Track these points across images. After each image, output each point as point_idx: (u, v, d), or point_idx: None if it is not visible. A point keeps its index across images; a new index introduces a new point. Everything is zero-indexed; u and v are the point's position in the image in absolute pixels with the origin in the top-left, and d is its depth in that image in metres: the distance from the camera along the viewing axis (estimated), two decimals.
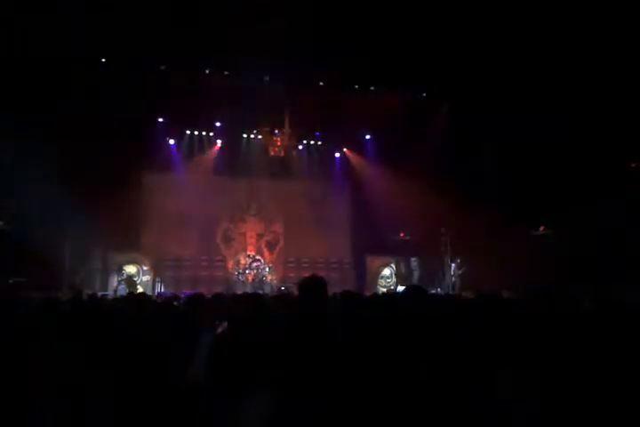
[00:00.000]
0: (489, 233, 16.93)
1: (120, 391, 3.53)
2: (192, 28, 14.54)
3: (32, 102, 14.64)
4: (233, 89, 17.75)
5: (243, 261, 19.89)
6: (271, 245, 21.47)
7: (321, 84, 18.72)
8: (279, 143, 20.19)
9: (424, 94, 19.78)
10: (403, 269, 20.93)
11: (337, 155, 22.36)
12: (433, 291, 15.89)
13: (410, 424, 2.78)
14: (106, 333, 4.37)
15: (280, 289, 17.60)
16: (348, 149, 22.24)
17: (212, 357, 3.57)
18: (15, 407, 3.24)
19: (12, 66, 14.44)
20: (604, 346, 3.05)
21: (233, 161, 20.49)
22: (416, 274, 20.65)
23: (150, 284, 18.31)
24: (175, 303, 7.67)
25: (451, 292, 17.30)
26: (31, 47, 14.22)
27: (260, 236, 21.43)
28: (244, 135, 20.94)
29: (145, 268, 18.69)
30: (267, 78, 18.31)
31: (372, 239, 20.47)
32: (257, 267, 19.36)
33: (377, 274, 21.14)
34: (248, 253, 20.45)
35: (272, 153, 20.29)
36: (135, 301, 6.31)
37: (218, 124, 20.25)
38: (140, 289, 17.11)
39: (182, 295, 11.01)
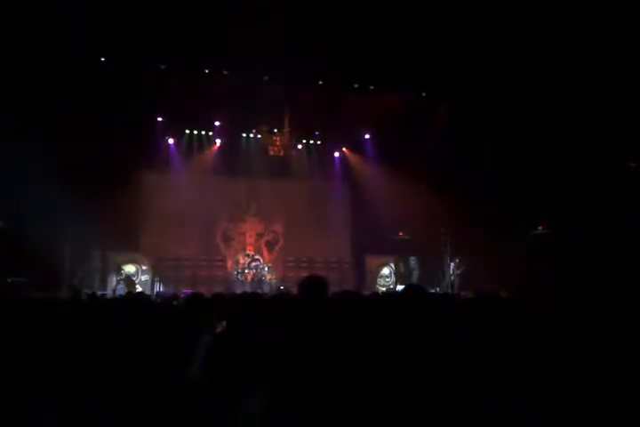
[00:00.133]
0: (488, 233, 16.94)
1: (120, 391, 3.53)
2: (192, 27, 14.54)
3: (32, 102, 14.63)
4: (232, 89, 17.74)
5: (242, 261, 19.88)
6: (271, 245, 21.48)
7: (320, 83, 18.70)
8: (279, 143, 20.17)
9: (424, 94, 19.76)
10: (402, 269, 20.93)
11: (336, 154, 22.38)
12: (432, 290, 15.89)
13: (410, 424, 2.78)
14: (105, 332, 4.36)
15: (279, 289, 17.60)
16: (347, 148, 22.25)
17: (211, 356, 3.57)
18: (15, 407, 3.24)
19: (12, 66, 14.43)
20: (604, 346, 3.05)
21: (232, 161, 20.51)
22: (415, 273, 20.64)
23: (149, 283, 18.30)
24: (175, 303, 7.68)
25: (450, 291, 17.30)
26: (31, 47, 14.20)
27: (259, 235, 21.43)
28: (244, 135, 20.96)
29: (144, 267, 18.69)
30: (266, 78, 18.29)
31: (372, 239, 20.47)
32: (256, 266, 19.35)
33: (376, 273, 21.13)
34: (247, 252, 20.44)
35: (271, 153, 20.27)
36: (134, 300, 6.31)
37: (217, 123, 20.25)
38: (139, 289, 17.12)
39: (182, 295, 11.02)
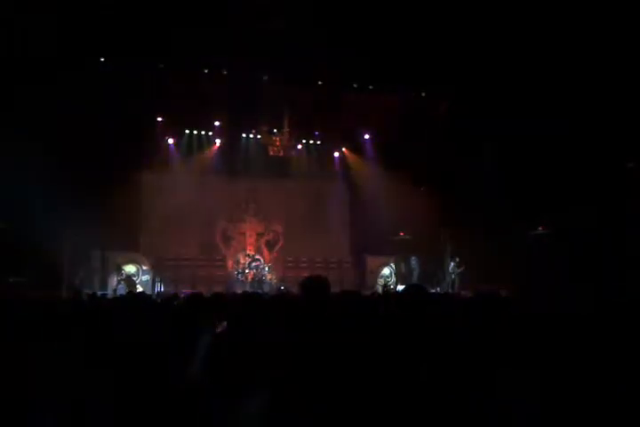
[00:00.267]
0: (488, 233, 16.94)
1: (120, 391, 3.53)
2: (192, 27, 14.54)
3: (32, 102, 14.62)
4: (232, 89, 17.74)
5: (242, 261, 19.89)
6: (270, 245, 21.48)
7: (320, 83, 18.70)
8: (278, 143, 20.19)
9: (423, 94, 19.76)
10: (402, 269, 20.93)
11: (336, 154, 22.38)
12: (432, 290, 15.89)
13: (410, 424, 2.78)
14: (105, 332, 4.37)
15: (279, 289, 17.61)
16: (347, 148, 22.24)
17: (211, 356, 3.57)
18: (15, 407, 3.24)
19: (12, 66, 14.42)
20: (604, 346, 3.05)
21: (232, 161, 20.53)
22: (415, 273, 20.64)
23: (150, 283, 18.30)
24: (175, 303, 7.68)
25: (450, 291, 17.31)
26: (31, 47, 14.20)
27: (259, 235, 21.44)
28: (244, 135, 20.95)
29: (144, 267, 18.69)
30: (266, 78, 18.30)
31: (372, 239, 20.49)
32: (257, 267, 19.36)
33: (377, 273, 21.13)
34: (247, 252, 20.45)
35: (271, 153, 20.29)
36: (134, 300, 6.31)
37: (217, 123, 20.24)
38: (139, 289, 17.11)
39: (182, 295, 11.02)
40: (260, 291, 16.28)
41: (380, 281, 20.72)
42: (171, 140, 20.28)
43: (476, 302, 4.02)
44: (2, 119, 13.80)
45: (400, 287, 18.23)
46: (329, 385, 2.85)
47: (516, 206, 16.56)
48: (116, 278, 17.84)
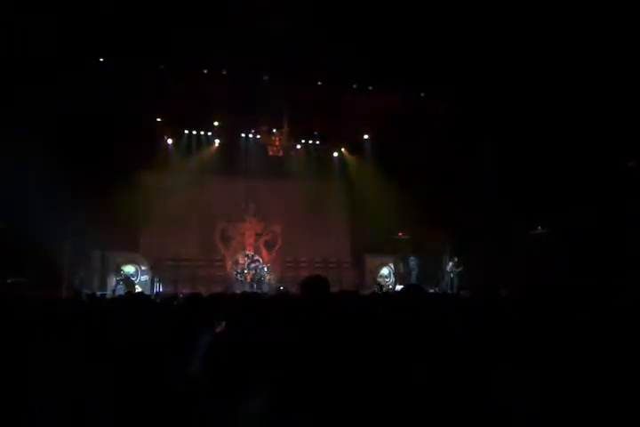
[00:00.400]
0: (488, 233, 16.94)
1: (120, 391, 3.52)
2: (191, 27, 14.53)
3: (32, 102, 14.61)
4: (232, 89, 17.73)
5: (241, 261, 19.88)
6: (270, 245, 21.49)
7: (320, 83, 18.70)
8: (278, 143, 20.20)
9: (422, 94, 19.75)
10: (401, 269, 20.95)
11: (335, 154, 22.38)
12: (431, 290, 15.90)
13: (410, 424, 2.78)
14: (105, 332, 4.36)
15: (278, 289, 17.62)
16: (346, 148, 22.24)
17: (211, 356, 3.57)
18: (15, 407, 3.24)
19: (12, 66, 14.42)
20: (604, 346, 3.05)
21: (231, 161, 20.50)
22: (414, 273, 20.65)
23: (149, 283, 18.30)
24: (174, 303, 7.68)
25: (449, 291, 17.32)
26: (31, 47, 14.19)
27: (258, 235, 21.45)
28: (243, 135, 20.94)
29: (143, 268, 18.68)
30: (265, 78, 18.29)
31: (371, 239, 20.49)
32: (256, 267, 19.37)
33: (376, 273, 21.13)
34: (247, 252, 20.43)
35: (271, 153, 20.30)
36: (134, 300, 6.31)
37: (216, 123, 20.24)
38: (138, 289, 17.11)
39: (181, 295, 11.02)
40: (259, 291, 16.32)
41: (380, 281, 20.72)
42: (170, 141, 20.29)
43: (476, 303, 4.02)
44: (2, 119, 13.79)
45: (399, 287, 18.23)
46: (329, 385, 2.85)
47: (516, 206, 16.56)
48: (115, 279, 17.82)
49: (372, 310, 4.58)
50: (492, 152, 17.96)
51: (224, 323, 4.28)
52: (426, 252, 20.06)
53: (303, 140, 21.63)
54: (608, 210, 14.36)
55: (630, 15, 12.98)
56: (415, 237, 19.78)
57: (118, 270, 18.02)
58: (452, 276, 18.63)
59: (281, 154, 20.49)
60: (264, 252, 21.18)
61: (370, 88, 19.13)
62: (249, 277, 19.05)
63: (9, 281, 14.23)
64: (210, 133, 20.73)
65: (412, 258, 20.82)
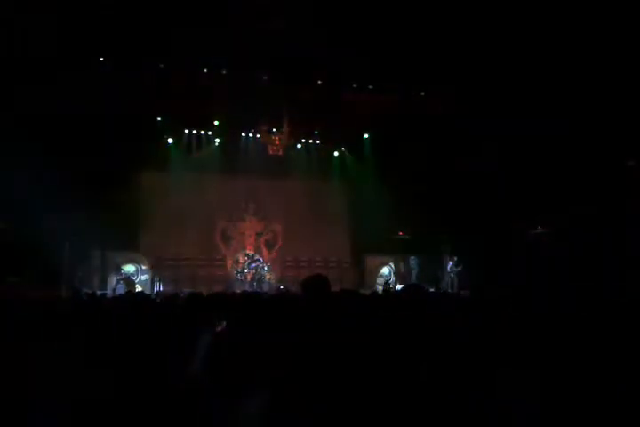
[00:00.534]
0: (488, 233, 16.95)
1: (120, 391, 3.53)
2: (191, 27, 14.54)
3: (32, 102, 14.61)
4: (231, 88, 17.73)
5: (242, 261, 19.88)
6: (270, 245, 21.47)
7: (320, 83, 18.69)
8: (278, 142, 20.22)
9: (422, 93, 19.75)
10: (402, 269, 20.95)
11: (335, 154, 22.38)
12: (432, 290, 15.91)
13: (409, 424, 2.78)
14: (105, 332, 4.36)
15: (279, 288, 17.61)
16: (346, 147, 22.23)
17: (211, 356, 3.57)
18: (15, 407, 3.24)
19: (12, 66, 14.42)
20: (604, 346, 3.05)
21: (232, 160, 20.47)
22: (414, 273, 20.66)
23: (149, 283, 18.29)
24: (174, 302, 7.67)
25: (450, 290, 17.33)
26: (31, 47, 14.19)
27: (258, 235, 21.42)
28: (243, 134, 20.94)
29: (144, 267, 18.67)
30: (265, 77, 18.29)
31: (371, 238, 20.47)
32: (256, 266, 19.37)
33: (376, 273, 21.14)
34: (247, 252, 20.43)
35: (271, 152, 20.32)
36: (134, 300, 6.31)
37: (216, 123, 20.23)
38: (138, 288, 17.11)
39: (182, 294, 11.01)
40: (259, 290, 16.32)
41: (380, 280, 20.72)
42: (170, 140, 20.27)
43: (476, 303, 4.02)
44: (2, 119, 13.79)
45: (399, 287, 18.23)
46: (329, 385, 2.85)
47: (516, 206, 16.57)
48: (115, 278, 17.82)
49: (372, 309, 4.58)
50: (492, 152, 17.97)
51: (224, 322, 4.27)
52: (426, 251, 20.07)
53: (303, 140, 21.63)
54: (608, 210, 14.37)
55: (630, 15, 12.98)
56: (415, 237, 19.77)
57: (118, 270, 18.03)
58: (452, 275, 18.65)
59: (281, 153, 20.51)
60: (264, 251, 21.17)
61: (370, 87, 19.14)
62: (249, 277, 19.05)
63: (9, 281, 14.22)
64: (210, 133, 20.72)
65: (412, 258, 20.83)
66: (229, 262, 20.46)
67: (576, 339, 3.18)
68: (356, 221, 21.65)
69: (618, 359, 2.94)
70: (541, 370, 2.94)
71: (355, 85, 19.05)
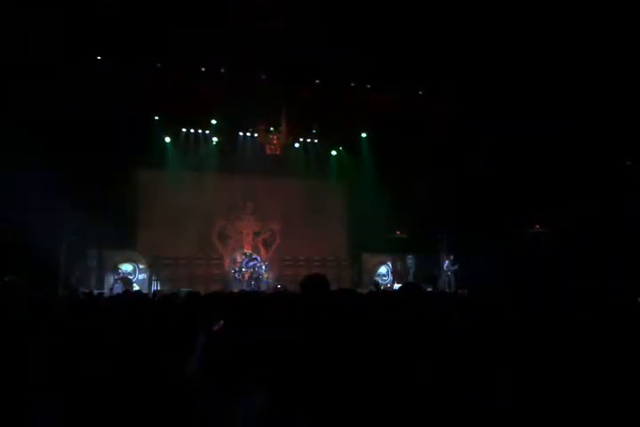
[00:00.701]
0: (488, 232, 16.95)
1: (118, 390, 3.52)
2: (190, 27, 14.52)
3: (31, 102, 14.58)
4: (230, 87, 17.71)
5: (239, 260, 19.89)
6: (268, 244, 21.46)
7: (318, 82, 18.67)
8: (275, 141, 20.21)
9: (421, 93, 19.74)
10: (399, 267, 20.98)
11: (333, 153, 22.38)
12: (429, 289, 15.93)
13: (408, 424, 2.77)
14: (103, 331, 4.36)
15: (276, 287, 17.62)
16: (344, 147, 22.24)
17: (209, 355, 3.57)
18: (15, 407, 3.23)
19: (12, 66, 14.39)
20: (604, 346, 3.04)
21: (229, 159, 20.46)
22: (412, 272, 20.69)
23: (147, 282, 18.29)
24: (172, 301, 7.66)
25: (447, 290, 17.34)
26: (31, 47, 14.17)
27: (256, 234, 21.42)
28: (241, 133, 20.94)
29: (141, 266, 18.68)
30: (263, 77, 18.28)
31: (369, 237, 20.48)
32: (254, 265, 19.37)
33: (374, 272, 21.16)
34: (245, 251, 20.45)
35: (268, 151, 20.30)
36: (131, 299, 6.30)
37: (214, 122, 20.22)
38: (135, 287, 17.11)
39: (178, 293, 11.00)
40: (257, 289, 16.32)
41: (377, 280, 20.76)
42: (168, 139, 20.27)
43: (475, 302, 4.02)
44: (2, 119, 13.77)
45: (397, 286, 18.25)
46: (327, 384, 2.84)
47: (516, 206, 16.58)
48: (112, 277, 17.82)
49: (370, 308, 4.57)
50: (492, 152, 17.98)
51: (222, 322, 4.27)
52: (423, 250, 20.09)
53: (301, 139, 21.66)
54: (608, 210, 14.38)
55: (629, 15, 12.99)
56: (413, 236, 19.79)
57: (116, 269, 18.03)
58: (449, 274, 18.69)
59: (279, 152, 20.49)
60: (262, 250, 21.17)
61: (368, 87, 19.12)
62: (247, 276, 19.07)
63: (5, 279, 14.20)
64: (208, 132, 20.72)
65: (409, 256, 20.87)
66: (227, 262, 20.45)
67: (576, 339, 3.18)
68: (353, 221, 21.67)
69: (618, 359, 2.94)
70: (541, 370, 2.93)
71: (353, 84, 19.02)
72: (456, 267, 18.56)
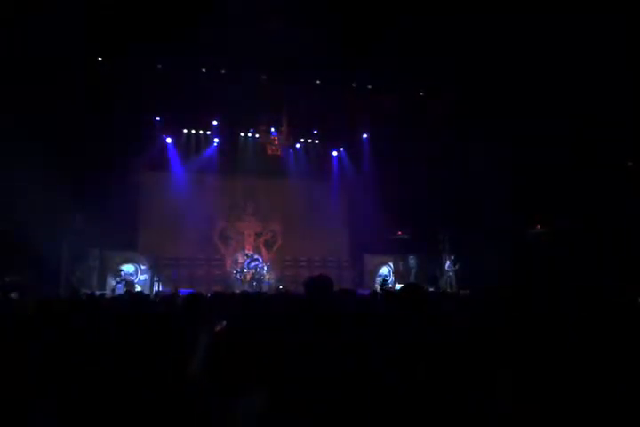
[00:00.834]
0: (488, 232, 16.95)
1: (120, 391, 3.52)
2: (191, 27, 14.52)
3: (31, 102, 14.59)
4: (230, 88, 17.71)
5: (240, 260, 19.90)
6: (269, 244, 21.47)
7: (318, 82, 18.67)
8: (276, 142, 20.22)
9: (422, 93, 19.74)
10: (400, 268, 20.98)
11: (334, 153, 22.40)
12: (431, 289, 15.93)
13: (408, 424, 2.78)
14: (105, 332, 4.36)
15: (278, 288, 17.63)
16: (345, 147, 22.25)
17: (210, 356, 3.57)
18: (15, 407, 3.24)
19: (12, 66, 14.40)
20: (604, 346, 3.05)
21: (230, 160, 20.48)
22: (413, 272, 20.69)
23: (148, 283, 18.29)
24: (174, 302, 7.67)
25: (448, 290, 17.34)
26: (31, 47, 14.17)
27: (257, 235, 21.43)
28: (242, 134, 20.95)
29: (143, 267, 18.68)
30: (264, 77, 18.28)
31: (370, 238, 20.48)
32: (255, 266, 19.38)
33: (375, 272, 21.16)
34: (246, 252, 20.45)
35: (269, 152, 20.32)
36: (133, 300, 6.31)
37: (215, 122, 20.24)
38: (137, 288, 17.11)
39: (180, 294, 11.01)
40: (258, 290, 16.32)
41: (378, 280, 20.74)
42: (169, 140, 20.29)
43: (475, 302, 4.02)
44: (2, 119, 13.78)
45: (398, 286, 18.24)
46: (328, 384, 2.85)
47: (516, 206, 16.57)
48: (114, 278, 17.81)
49: (371, 309, 4.58)
50: (492, 152, 17.97)
51: (224, 322, 4.27)
52: (425, 251, 20.09)
53: (302, 140, 21.67)
54: (608, 210, 14.37)
55: (629, 15, 12.99)
56: (414, 237, 19.79)
57: (117, 270, 18.02)
58: (450, 274, 18.69)
59: (280, 153, 20.50)
60: (263, 251, 21.18)
61: (369, 87, 19.12)
62: (248, 277, 19.07)
63: (7, 280, 14.22)
64: (209, 133, 20.74)
65: (411, 257, 20.86)
66: (228, 262, 20.46)
67: (576, 339, 3.18)
68: (354, 221, 21.66)
69: (618, 359, 2.94)
70: (541, 370, 2.94)
71: (354, 85, 19.02)
72: (457, 267, 18.55)
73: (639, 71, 13.65)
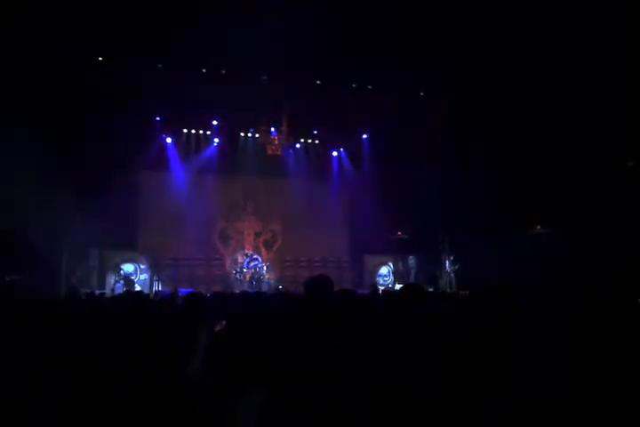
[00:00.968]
0: (488, 232, 16.94)
1: (120, 390, 3.52)
2: (191, 27, 14.52)
3: (32, 102, 14.59)
4: (231, 88, 17.71)
5: (240, 260, 19.90)
6: (269, 244, 21.47)
7: (318, 82, 18.67)
8: (276, 142, 20.21)
9: (422, 93, 19.74)
10: (400, 268, 20.98)
11: (334, 153, 22.40)
12: (431, 289, 15.92)
13: (408, 424, 2.78)
14: (105, 332, 4.36)
15: (278, 288, 17.63)
16: (345, 147, 22.26)
17: (210, 355, 3.57)
18: (15, 407, 3.24)
19: (12, 66, 14.40)
20: (604, 346, 3.04)
21: (230, 160, 20.49)
22: (413, 272, 20.69)
23: (148, 282, 18.29)
24: (174, 302, 7.67)
25: (448, 290, 17.33)
26: (31, 47, 14.18)
27: (257, 234, 21.44)
28: (242, 134, 20.98)
29: (142, 266, 18.68)
30: (264, 77, 18.28)
31: (370, 238, 20.48)
32: (255, 266, 19.39)
33: (375, 273, 21.16)
34: (246, 251, 20.45)
35: (269, 152, 20.31)
36: (133, 299, 6.30)
37: (215, 122, 20.25)
38: (137, 288, 17.11)
39: (180, 294, 11.02)
40: (258, 290, 16.32)
41: (379, 280, 20.76)
42: (169, 140, 20.30)
43: (476, 302, 4.01)
44: (2, 119, 13.78)
45: (398, 286, 18.24)
46: (328, 385, 2.85)
47: (516, 206, 16.57)
48: (114, 278, 17.82)
49: (371, 309, 4.58)
50: (492, 152, 17.96)
51: (224, 322, 4.28)
52: (425, 251, 20.09)
53: (302, 140, 21.69)
54: (608, 210, 14.36)
55: (629, 15, 13.00)
56: (414, 237, 19.79)
57: (117, 269, 18.02)
58: (450, 275, 18.69)
59: (280, 153, 20.50)
60: (263, 251, 21.18)
61: (369, 87, 19.12)
62: (248, 277, 19.08)
63: (6, 279, 14.22)
64: (209, 132, 20.75)
65: (410, 257, 20.86)
66: (228, 262, 20.46)
67: (576, 339, 3.18)
68: (354, 221, 21.66)
69: (618, 359, 2.94)
70: (541, 370, 2.94)
71: (354, 85, 19.02)
72: (456, 267, 18.55)
73: (639, 71, 13.65)
